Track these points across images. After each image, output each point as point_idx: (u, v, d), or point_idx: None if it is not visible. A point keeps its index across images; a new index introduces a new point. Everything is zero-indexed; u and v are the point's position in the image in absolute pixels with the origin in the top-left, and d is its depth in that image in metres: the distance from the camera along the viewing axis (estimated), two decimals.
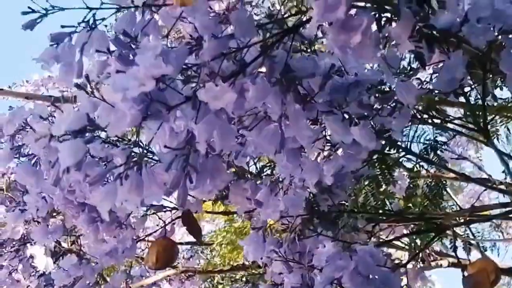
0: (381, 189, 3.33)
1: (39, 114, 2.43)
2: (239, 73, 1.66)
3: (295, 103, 1.71)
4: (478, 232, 4.46)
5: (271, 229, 2.26)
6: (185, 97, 1.60)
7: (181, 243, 4.42)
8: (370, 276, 1.84)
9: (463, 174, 3.35)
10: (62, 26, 1.75)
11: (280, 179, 2.18)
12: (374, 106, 1.86)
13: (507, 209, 2.42)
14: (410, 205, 3.47)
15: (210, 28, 1.65)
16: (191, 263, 4.84)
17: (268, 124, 1.76)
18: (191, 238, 4.88)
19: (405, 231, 3.81)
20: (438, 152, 3.15)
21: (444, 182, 3.50)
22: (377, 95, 1.89)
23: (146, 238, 2.83)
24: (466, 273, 2.16)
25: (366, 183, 3.19)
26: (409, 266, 4.18)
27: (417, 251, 3.15)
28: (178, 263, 4.80)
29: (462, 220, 2.86)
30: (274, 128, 1.70)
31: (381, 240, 3.58)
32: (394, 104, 1.87)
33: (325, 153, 2.04)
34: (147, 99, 1.55)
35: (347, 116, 1.81)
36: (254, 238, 2.17)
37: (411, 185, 3.51)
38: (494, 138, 3.80)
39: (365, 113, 1.82)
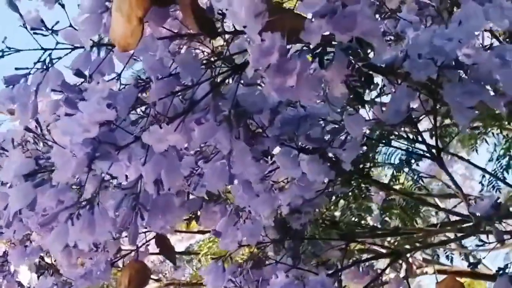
0: (358, 203, 3.36)
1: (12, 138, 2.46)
2: (189, 112, 1.70)
3: (242, 140, 1.75)
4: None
5: (231, 257, 2.29)
6: (135, 137, 1.65)
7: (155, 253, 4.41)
8: None
9: (418, 198, 3.38)
10: (16, 68, 1.79)
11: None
12: (326, 138, 1.90)
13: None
14: (387, 218, 3.51)
15: (157, 69, 1.69)
16: (177, 274, 4.87)
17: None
18: (181, 248, 4.89)
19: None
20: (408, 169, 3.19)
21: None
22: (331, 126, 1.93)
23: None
24: None
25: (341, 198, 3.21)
26: (392, 275, 4.23)
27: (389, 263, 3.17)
28: (165, 274, 4.84)
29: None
30: (222, 165, 1.75)
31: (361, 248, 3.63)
32: (345, 136, 1.90)
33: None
34: (95, 142, 1.59)
35: (296, 150, 1.86)
36: (214, 267, 2.20)
37: (387, 198, 3.54)
38: (473, 151, 3.87)
39: (314, 147, 1.86)
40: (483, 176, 3.71)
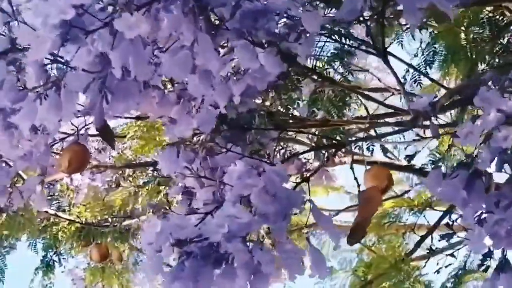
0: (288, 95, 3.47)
1: None
2: (154, 1, 1.75)
3: (206, 33, 1.81)
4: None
5: (185, 145, 2.35)
6: (104, 23, 1.69)
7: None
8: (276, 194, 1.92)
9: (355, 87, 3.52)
10: None
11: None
12: (282, 32, 1.97)
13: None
14: (314, 109, 3.64)
15: None
16: (102, 156, 4.87)
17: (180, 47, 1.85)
18: None
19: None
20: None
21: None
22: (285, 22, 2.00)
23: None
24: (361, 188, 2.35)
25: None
26: (314, 164, 4.40)
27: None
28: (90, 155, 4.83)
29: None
30: (185, 54, 1.80)
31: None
32: (300, 31, 1.98)
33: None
34: (66, 25, 1.63)
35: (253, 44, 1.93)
36: (168, 153, 2.26)
37: (317, 91, 3.67)
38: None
39: (272, 40, 1.93)
40: (407, 71, 3.92)
